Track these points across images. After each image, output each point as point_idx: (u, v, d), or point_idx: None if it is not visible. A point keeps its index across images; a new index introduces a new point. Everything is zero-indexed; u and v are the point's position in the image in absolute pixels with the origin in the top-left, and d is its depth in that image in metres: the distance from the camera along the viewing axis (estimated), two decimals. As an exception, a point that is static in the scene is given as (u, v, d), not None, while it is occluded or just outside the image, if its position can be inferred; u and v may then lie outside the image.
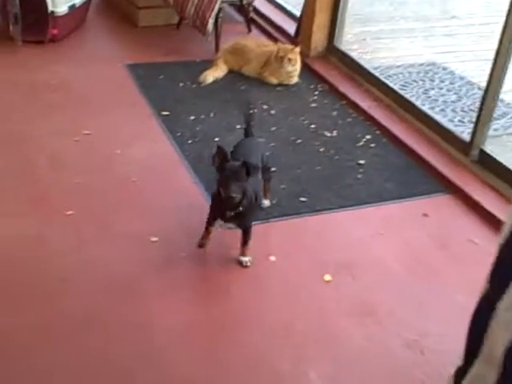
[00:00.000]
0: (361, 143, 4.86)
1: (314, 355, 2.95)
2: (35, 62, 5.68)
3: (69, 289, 3.18)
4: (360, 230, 3.88)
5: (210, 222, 3.47)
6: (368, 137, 4.95)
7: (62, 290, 3.17)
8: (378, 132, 5.02)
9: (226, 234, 3.62)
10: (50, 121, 4.76)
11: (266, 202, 3.90)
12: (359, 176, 4.42)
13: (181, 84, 5.61)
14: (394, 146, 4.82)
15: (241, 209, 3.20)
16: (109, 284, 3.26)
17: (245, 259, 3.44)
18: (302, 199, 4.10)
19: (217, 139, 4.73)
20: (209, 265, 3.49)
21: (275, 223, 3.88)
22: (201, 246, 3.51)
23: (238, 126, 4.93)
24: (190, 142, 4.67)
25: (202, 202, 3.87)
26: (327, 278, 3.45)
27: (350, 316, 3.21)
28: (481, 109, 4.36)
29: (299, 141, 4.82)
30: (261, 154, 3.66)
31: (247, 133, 3.87)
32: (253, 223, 3.46)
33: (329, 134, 4.96)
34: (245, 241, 3.43)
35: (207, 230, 3.49)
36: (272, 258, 3.55)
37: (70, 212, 3.75)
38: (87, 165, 4.26)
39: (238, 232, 3.45)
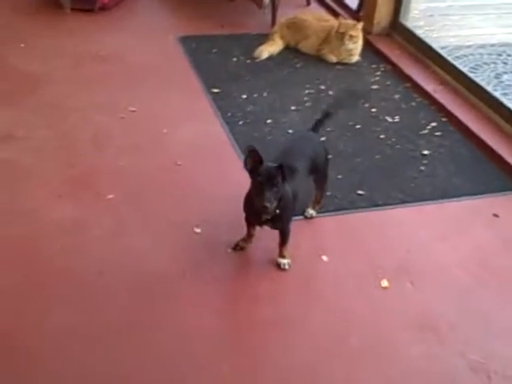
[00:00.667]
0: (425, 131, 4.47)
1: (367, 376, 2.65)
2: (83, 32, 5.47)
3: (104, 284, 2.97)
4: (422, 230, 3.53)
5: (249, 225, 3.18)
6: (433, 124, 4.55)
7: (96, 286, 2.95)
8: (444, 119, 4.62)
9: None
10: (96, 94, 4.54)
11: (311, 212, 3.47)
12: (423, 168, 4.05)
13: (234, 59, 5.31)
14: (461, 136, 4.42)
15: (277, 211, 2.85)
16: (146, 281, 3.02)
17: (283, 261, 3.14)
18: (360, 192, 3.77)
19: (269, 121, 4.43)
20: (254, 264, 3.21)
21: (329, 218, 3.57)
22: (238, 248, 3.20)
23: (293, 108, 4.63)
24: (240, 123, 4.38)
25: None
26: (384, 283, 3.14)
27: (409, 330, 2.89)
28: None
29: (358, 126, 4.47)
30: (315, 155, 3.26)
31: (315, 127, 3.49)
32: (291, 223, 3.12)
33: (390, 120, 4.58)
34: (282, 242, 3.12)
35: (249, 233, 3.21)
36: (324, 258, 3.26)
37: (111, 196, 3.53)
38: (131, 145, 4.03)
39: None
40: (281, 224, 3.04)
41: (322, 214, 3.56)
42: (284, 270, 3.13)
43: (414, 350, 2.80)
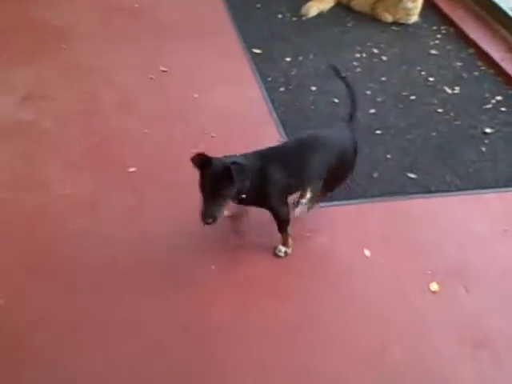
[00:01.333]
0: (489, 105, 3.97)
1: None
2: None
3: (117, 271, 2.66)
4: (480, 224, 3.09)
5: None
6: (498, 98, 4.04)
7: (109, 274, 2.65)
8: (511, 92, 4.09)
9: (317, 220, 2.96)
10: (124, 52, 4.17)
11: (298, 211, 3.00)
12: (484, 149, 3.58)
13: (279, 16, 4.84)
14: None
15: (243, 196, 2.52)
16: (163, 270, 2.70)
17: (279, 247, 2.81)
18: (411, 175, 3.34)
19: (314, 88, 3.99)
20: (291, 257, 2.83)
21: (375, 203, 3.16)
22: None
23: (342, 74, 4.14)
24: (282, 89, 3.96)
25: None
26: (434, 287, 2.74)
27: (460, 344, 2.51)
28: None
29: (413, 97, 3.99)
30: (335, 157, 2.79)
31: (350, 118, 3.04)
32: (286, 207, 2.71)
33: (449, 91, 4.08)
34: (278, 226, 2.76)
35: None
36: (366, 253, 2.87)
37: (133, 169, 3.20)
38: (159, 111, 3.67)
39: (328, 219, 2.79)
40: (262, 203, 2.66)
41: (366, 199, 3.15)
42: (279, 257, 2.80)
43: (464, 369, 2.43)
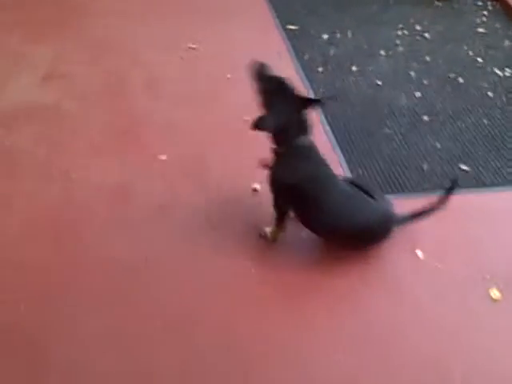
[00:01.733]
0: (544, 89, 3.67)
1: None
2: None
3: (150, 273, 2.43)
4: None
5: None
6: (553, 81, 3.74)
7: (140, 276, 2.42)
8: None
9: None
10: (151, 28, 3.90)
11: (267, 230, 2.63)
12: (541, 139, 3.30)
13: (314, -11, 4.54)
14: None
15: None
16: (200, 272, 2.47)
17: (266, 228, 2.58)
18: (464, 167, 3.07)
19: (354, 68, 3.71)
20: (334, 259, 2.59)
21: (426, 199, 2.88)
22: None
23: (382, 53, 3.88)
24: (320, 69, 3.68)
25: (332, 158, 2.95)
26: (495, 294, 2.49)
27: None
28: None
29: (461, 80, 3.70)
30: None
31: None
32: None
33: (500, 73, 3.79)
34: None
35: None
36: (419, 254, 2.62)
37: (163, 157, 2.95)
38: (190, 93, 3.41)
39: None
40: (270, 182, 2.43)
41: (417, 194, 2.89)
42: (262, 237, 2.58)
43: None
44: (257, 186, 2.83)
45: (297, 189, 2.34)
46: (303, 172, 2.33)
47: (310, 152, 2.35)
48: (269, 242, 2.59)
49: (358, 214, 2.42)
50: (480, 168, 3.07)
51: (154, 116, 3.19)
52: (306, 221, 2.47)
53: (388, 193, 2.84)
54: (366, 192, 2.51)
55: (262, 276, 2.46)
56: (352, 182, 2.56)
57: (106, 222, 2.62)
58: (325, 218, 2.39)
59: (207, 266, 2.48)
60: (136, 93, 3.35)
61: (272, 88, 2.29)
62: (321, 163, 2.38)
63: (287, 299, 2.40)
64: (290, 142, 2.31)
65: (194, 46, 3.73)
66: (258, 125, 2.23)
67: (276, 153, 2.38)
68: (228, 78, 3.51)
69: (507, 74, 3.77)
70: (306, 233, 2.64)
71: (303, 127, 2.32)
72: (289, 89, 2.28)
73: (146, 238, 2.56)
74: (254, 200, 2.78)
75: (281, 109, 2.26)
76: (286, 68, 3.65)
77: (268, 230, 2.59)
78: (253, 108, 3.25)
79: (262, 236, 2.60)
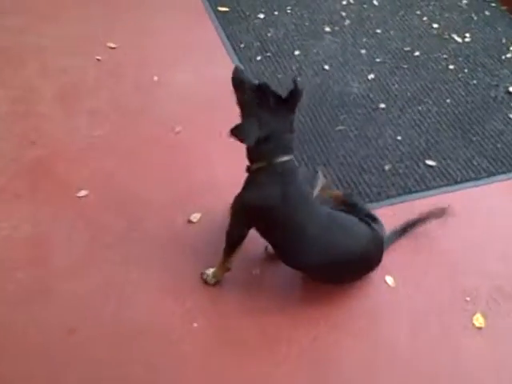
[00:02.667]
0: (508, 54, 3.32)
1: None
2: None
3: (76, 342, 2.03)
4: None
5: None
6: (518, 43, 3.38)
7: (64, 347, 2.01)
8: (531, 34, 3.43)
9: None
10: (63, 26, 3.37)
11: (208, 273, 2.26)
12: (511, 116, 2.94)
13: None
14: (559, 60, 3.25)
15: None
16: (132, 338, 2.08)
17: (208, 271, 2.22)
18: (430, 162, 2.71)
19: (297, 53, 3.28)
20: (305, 294, 2.22)
21: (388, 208, 2.53)
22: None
23: (327, 29, 3.47)
24: (259, 58, 3.24)
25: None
26: (478, 320, 2.17)
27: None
28: None
29: (417, 52, 3.31)
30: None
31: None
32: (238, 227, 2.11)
33: (459, 40, 3.41)
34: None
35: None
36: (389, 281, 2.28)
37: (84, 193, 2.51)
38: (111, 104, 2.94)
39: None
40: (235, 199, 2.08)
41: (380, 204, 2.53)
42: (205, 282, 2.21)
43: None
44: (194, 216, 2.43)
45: (272, 214, 1.98)
46: (280, 195, 1.95)
47: (291, 174, 1.98)
48: (211, 285, 2.21)
49: (350, 241, 2.08)
50: (448, 161, 2.71)
51: (69, 139, 2.74)
52: (287, 255, 2.10)
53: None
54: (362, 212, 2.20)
55: (206, 323, 2.09)
56: (344, 201, 2.27)
57: (22, 284, 2.19)
58: (308, 248, 2.02)
59: (140, 314, 2.10)
60: (46, 111, 2.87)
61: (253, 97, 1.91)
62: (301, 187, 2.02)
63: (239, 354, 2.04)
64: (270, 158, 1.94)
65: (113, 45, 3.25)
66: (239, 132, 1.85)
67: (251, 170, 2.01)
68: (155, 81, 3.06)
69: (467, 40, 3.39)
70: (258, 270, 2.28)
71: (287, 145, 1.95)
72: (272, 96, 1.91)
73: (67, 309, 2.14)
74: (191, 234, 2.38)
75: (265, 120, 1.88)
76: (221, 61, 3.20)
77: (211, 270, 2.21)
78: (186, 116, 2.86)
79: (204, 279, 2.22)
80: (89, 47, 3.23)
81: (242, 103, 1.96)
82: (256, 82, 1.96)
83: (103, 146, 2.72)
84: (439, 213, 2.35)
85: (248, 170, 2.03)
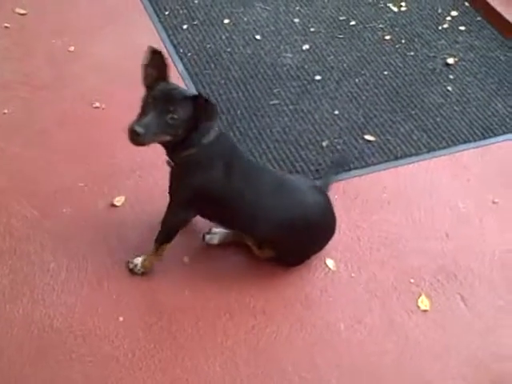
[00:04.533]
0: (445, 25, 3.20)
1: None
2: None
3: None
4: (463, 198, 2.40)
5: None
6: (454, 13, 3.29)
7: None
8: (467, 3, 3.32)
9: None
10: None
11: (137, 261, 2.04)
12: (450, 88, 2.84)
13: None
14: (497, 30, 3.16)
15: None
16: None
17: (134, 260, 2.03)
18: (368, 138, 2.57)
19: (226, 21, 3.06)
20: (222, 288, 2.04)
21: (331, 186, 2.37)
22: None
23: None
24: (185, 26, 3.01)
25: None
26: (424, 302, 2.06)
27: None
28: None
29: (353, 22, 3.15)
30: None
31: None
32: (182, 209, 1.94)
33: (395, 9, 3.27)
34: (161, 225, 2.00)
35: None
36: (329, 263, 2.13)
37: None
38: (21, 76, 2.66)
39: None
40: (171, 190, 1.93)
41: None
42: (130, 270, 2.03)
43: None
44: (117, 200, 2.21)
45: (222, 191, 1.86)
46: (223, 170, 1.84)
47: (224, 145, 1.88)
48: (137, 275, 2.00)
49: (304, 203, 1.97)
50: (387, 136, 2.58)
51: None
52: (247, 228, 1.98)
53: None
54: None
55: (134, 317, 1.89)
56: None
57: None
58: (266, 215, 1.91)
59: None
60: None
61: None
62: (241, 155, 1.93)
63: (172, 349, 1.84)
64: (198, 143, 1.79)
65: (22, 11, 2.94)
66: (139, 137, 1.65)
67: (179, 161, 1.83)
68: (71, 52, 2.78)
69: (403, 9, 3.26)
70: (188, 258, 2.09)
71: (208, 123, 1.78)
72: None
73: None
74: (114, 220, 2.16)
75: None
76: (144, 29, 2.95)
77: (140, 259, 2.00)
78: (105, 90, 2.60)
79: (130, 268, 2.01)
80: (-6, 13, 2.91)
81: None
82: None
83: (12, 125, 2.44)
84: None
85: (172, 162, 1.84)
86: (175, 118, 1.68)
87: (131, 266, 2.01)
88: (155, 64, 1.74)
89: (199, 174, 1.83)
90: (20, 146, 2.35)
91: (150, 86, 1.75)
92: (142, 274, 2.02)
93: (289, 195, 1.95)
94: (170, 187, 1.92)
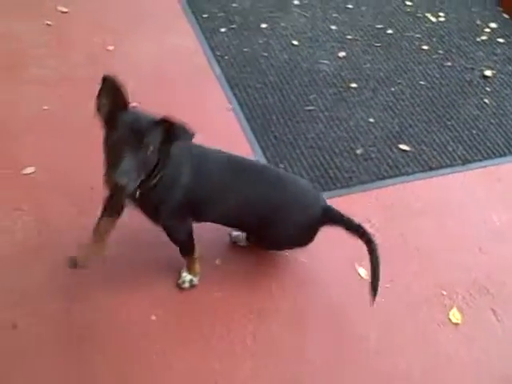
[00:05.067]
0: (483, 37, 3.19)
1: None
2: None
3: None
4: (498, 212, 2.38)
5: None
6: (493, 25, 3.27)
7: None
8: (506, 15, 3.30)
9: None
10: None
11: (184, 278, 2.03)
12: (487, 101, 2.82)
13: None
14: (534, 44, 3.14)
15: (137, 194, 1.67)
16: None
17: (183, 275, 2.00)
18: (403, 147, 2.56)
19: (264, 26, 3.07)
20: (258, 288, 2.05)
21: (364, 194, 2.38)
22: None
23: (296, 2, 3.24)
24: (223, 30, 3.02)
25: (240, 142, 2.41)
26: (456, 316, 2.04)
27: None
28: None
29: (390, 31, 3.14)
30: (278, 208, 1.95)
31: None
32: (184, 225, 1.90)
33: (433, 19, 3.26)
34: (180, 250, 1.96)
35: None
36: (361, 272, 2.12)
37: (30, 170, 2.27)
38: (63, 73, 2.70)
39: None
40: (156, 218, 1.83)
41: (351, 190, 2.37)
42: (182, 289, 2.00)
43: None
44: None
45: (202, 194, 1.81)
46: (192, 178, 1.77)
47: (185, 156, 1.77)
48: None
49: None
50: (422, 146, 2.57)
51: (16, 111, 2.49)
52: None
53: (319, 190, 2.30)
54: None
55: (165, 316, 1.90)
56: None
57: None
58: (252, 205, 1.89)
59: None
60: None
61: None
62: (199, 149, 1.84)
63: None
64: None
65: (64, 9, 2.99)
66: (124, 188, 1.52)
67: (146, 191, 1.68)
68: (110, 51, 2.81)
69: (441, 20, 3.24)
70: (220, 260, 2.10)
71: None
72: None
73: (13, 297, 1.93)
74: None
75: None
76: (182, 32, 2.98)
77: (188, 276, 2.00)
78: (142, 91, 2.61)
79: (183, 287, 2.00)
80: (38, 11, 2.97)
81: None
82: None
83: (51, 121, 2.47)
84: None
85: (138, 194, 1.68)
86: (152, 150, 1.54)
87: (180, 282, 2.00)
88: (109, 93, 1.54)
89: (174, 189, 1.75)
90: (59, 141, 2.39)
91: (107, 118, 1.56)
92: (192, 286, 2.01)
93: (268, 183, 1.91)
94: (151, 217, 1.81)
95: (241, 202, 1.87)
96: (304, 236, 2.00)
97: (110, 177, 1.50)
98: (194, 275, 2.00)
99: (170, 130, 1.55)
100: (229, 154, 1.90)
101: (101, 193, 2.06)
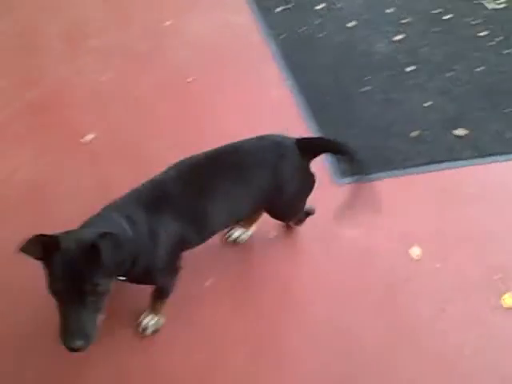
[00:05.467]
0: (543, 25, 3.12)
1: None
2: None
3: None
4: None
5: None
6: (553, 13, 3.18)
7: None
8: None
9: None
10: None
11: (237, 234, 2.07)
12: (546, 89, 2.77)
13: None
14: None
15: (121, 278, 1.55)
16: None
17: (146, 320, 1.85)
18: (459, 132, 2.53)
19: (319, 6, 3.06)
20: (311, 260, 2.06)
21: (417, 176, 2.36)
22: None
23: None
24: (279, 9, 3.03)
25: (296, 120, 2.40)
26: (506, 301, 2.02)
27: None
28: None
29: (447, 16, 3.11)
30: (274, 182, 1.75)
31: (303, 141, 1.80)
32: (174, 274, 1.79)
33: (492, 6, 3.20)
34: (158, 291, 1.82)
35: None
36: (415, 253, 2.11)
37: (90, 137, 2.32)
38: (119, 46, 2.74)
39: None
40: (152, 282, 1.75)
41: (406, 171, 2.36)
42: (143, 333, 1.85)
43: None
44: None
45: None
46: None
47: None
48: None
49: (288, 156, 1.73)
50: (478, 132, 2.53)
51: (75, 80, 2.54)
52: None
53: (372, 171, 2.28)
54: None
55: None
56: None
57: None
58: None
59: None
60: (51, 49, 2.66)
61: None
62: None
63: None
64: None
65: (123, -16, 3.02)
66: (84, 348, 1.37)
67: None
68: (167, 26, 2.84)
69: (499, 7, 3.19)
70: (275, 232, 2.11)
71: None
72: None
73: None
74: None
75: None
76: (239, 10, 2.99)
77: (153, 320, 1.86)
78: (198, 65, 2.65)
79: (146, 333, 1.85)
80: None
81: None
82: None
83: (108, 92, 2.51)
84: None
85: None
86: (100, 284, 1.37)
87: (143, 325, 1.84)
88: (35, 249, 1.35)
89: (157, 251, 1.62)
90: (116, 112, 2.42)
91: (42, 258, 1.37)
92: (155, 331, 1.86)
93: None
94: (147, 283, 1.73)
95: (220, 207, 1.71)
96: (303, 182, 1.83)
97: (64, 341, 1.35)
98: (161, 317, 1.86)
99: (102, 253, 1.33)
100: (169, 175, 1.72)
101: (159, 158, 2.10)
